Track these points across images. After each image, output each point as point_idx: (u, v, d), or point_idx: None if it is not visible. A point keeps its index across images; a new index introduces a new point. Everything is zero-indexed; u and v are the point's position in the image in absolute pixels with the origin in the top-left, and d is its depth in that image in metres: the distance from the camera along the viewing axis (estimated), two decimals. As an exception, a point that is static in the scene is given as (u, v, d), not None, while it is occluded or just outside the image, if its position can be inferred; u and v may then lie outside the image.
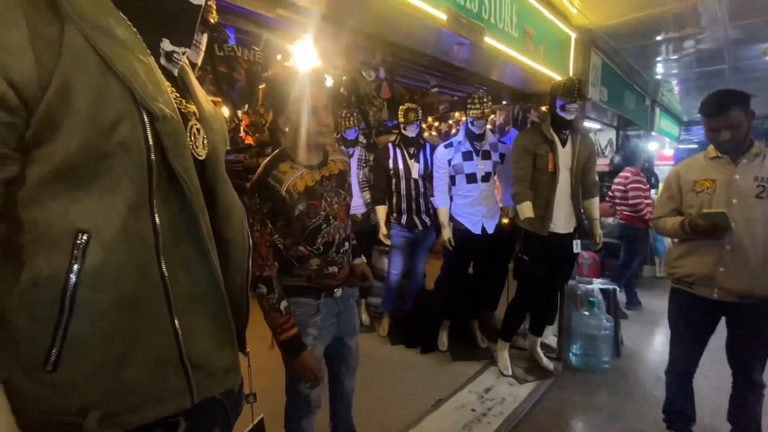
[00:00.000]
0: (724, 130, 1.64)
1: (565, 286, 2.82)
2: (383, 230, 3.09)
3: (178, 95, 0.63)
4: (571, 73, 2.71)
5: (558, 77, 2.52)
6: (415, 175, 3.03)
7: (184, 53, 0.64)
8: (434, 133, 3.92)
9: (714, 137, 1.70)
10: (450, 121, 3.78)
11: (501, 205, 2.92)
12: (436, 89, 2.99)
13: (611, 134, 5.56)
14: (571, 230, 2.50)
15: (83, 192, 0.47)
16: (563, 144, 2.43)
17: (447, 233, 2.80)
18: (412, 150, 3.05)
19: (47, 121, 0.44)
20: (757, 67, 3.90)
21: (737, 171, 1.66)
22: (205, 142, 0.67)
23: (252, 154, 4.33)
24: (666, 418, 1.98)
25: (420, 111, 2.98)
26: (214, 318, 0.63)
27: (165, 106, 0.54)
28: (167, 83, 0.60)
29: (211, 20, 1.19)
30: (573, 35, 2.63)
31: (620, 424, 2.18)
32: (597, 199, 2.61)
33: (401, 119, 2.98)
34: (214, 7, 1.21)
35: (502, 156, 2.79)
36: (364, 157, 3.30)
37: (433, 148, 3.02)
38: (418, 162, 3.03)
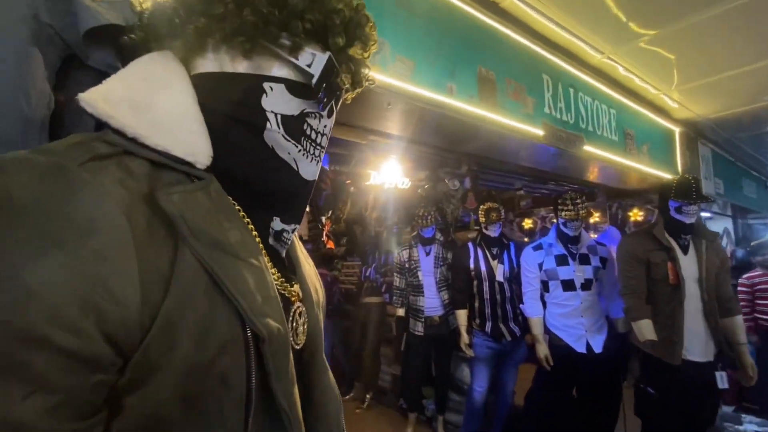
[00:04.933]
0: None
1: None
2: (465, 338, 2.80)
3: (283, 280, 0.55)
4: (679, 169, 2.42)
5: (664, 175, 2.25)
6: (499, 277, 2.78)
7: (293, 230, 0.58)
8: (515, 228, 3.70)
9: None
10: (535, 217, 3.56)
11: (608, 316, 2.49)
12: (521, 191, 2.86)
13: (726, 223, 4.82)
14: (711, 358, 1.99)
15: None
16: (684, 251, 2.07)
17: (544, 349, 2.42)
18: (494, 250, 2.85)
19: (142, 367, 0.37)
20: None
21: None
22: (305, 326, 0.58)
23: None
24: None
25: (503, 211, 2.83)
26: None
27: (273, 319, 0.45)
28: (273, 269, 0.53)
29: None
30: (677, 130, 2.40)
31: None
32: (740, 318, 2.09)
33: (482, 219, 2.84)
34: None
35: (603, 260, 2.46)
36: (441, 255, 3.16)
37: (518, 247, 2.79)
38: (502, 263, 2.80)
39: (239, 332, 0.42)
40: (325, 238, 3.13)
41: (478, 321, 2.81)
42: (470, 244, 2.94)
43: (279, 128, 0.51)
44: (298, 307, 0.57)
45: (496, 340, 2.73)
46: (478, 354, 2.78)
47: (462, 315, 2.86)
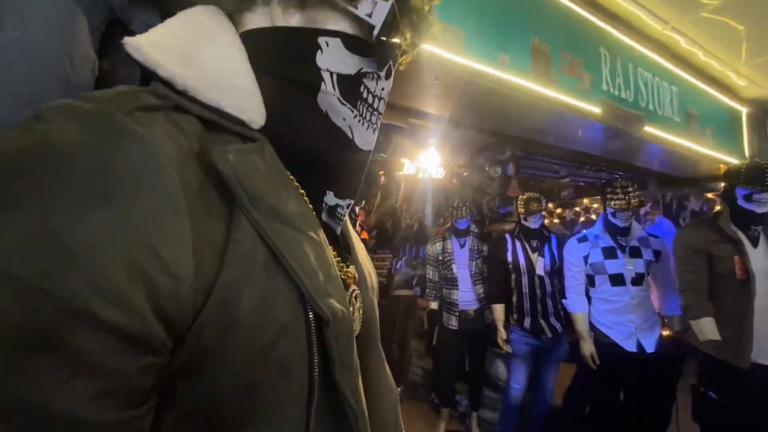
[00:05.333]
0: None
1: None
2: (502, 333, 2.71)
3: (339, 260, 0.50)
4: (746, 154, 2.21)
5: (730, 160, 2.06)
6: (539, 271, 2.65)
7: (348, 206, 0.53)
8: (556, 220, 3.54)
9: None
10: (577, 208, 3.38)
11: (660, 313, 2.33)
12: (567, 178, 2.71)
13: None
14: (785, 362, 1.81)
15: None
16: (754, 243, 1.88)
17: (589, 347, 2.29)
18: (534, 243, 2.72)
19: (194, 350, 0.32)
20: None
21: None
22: (361, 311, 0.53)
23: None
24: None
25: (544, 201, 2.69)
26: None
27: (336, 299, 0.40)
28: (330, 249, 0.48)
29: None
30: (744, 110, 2.19)
31: None
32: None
33: (521, 210, 2.72)
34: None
35: (656, 253, 2.29)
36: (476, 248, 3.06)
37: (560, 241, 2.66)
38: (543, 256, 2.67)
39: (300, 313, 0.37)
40: (358, 228, 3.09)
41: (516, 316, 2.71)
42: (508, 236, 2.83)
43: (334, 90, 0.46)
44: (354, 290, 0.52)
45: (536, 336, 2.62)
46: (515, 350, 2.68)
47: (499, 309, 2.77)
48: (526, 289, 2.67)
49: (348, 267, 0.52)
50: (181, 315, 0.31)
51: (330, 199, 0.50)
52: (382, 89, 0.51)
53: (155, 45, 0.37)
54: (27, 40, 0.49)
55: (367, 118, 0.49)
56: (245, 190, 0.34)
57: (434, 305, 3.20)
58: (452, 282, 3.05)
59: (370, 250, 4.71)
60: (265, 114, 0.43)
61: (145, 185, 0.30)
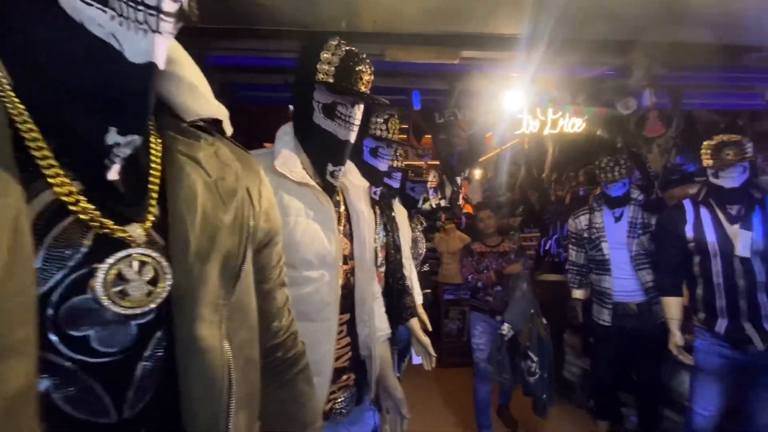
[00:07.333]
0: None
1: None
2: (677, 338, 2.01)
3: (99, 213, 0.40)
4: None
5: None
6: (742, 251, 1.81)
7: (129, 144, 0.42)
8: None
9: None
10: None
11: None
12: (783, 104, 1.73)
13: None
14: None
15: None
16: None
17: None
18: (734, 210, 1.87)
19: None
20: None
21: None
22: (158, 283, 0.43)
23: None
24: None
25: (748, 146, 1.80)
26: None
27: None
28: (82, 199, 0.39)
29: (362, 89, 1.01)
30: None
31: None
32: None
33: (709, 161, 1.89)
34: (367, 71, 1.03)
35: None
36: (640, 221, 2.36)
37: (787, 204, 1.74)
38: (749, 229, 1.80)
39: None
40: (462, 201, 2.77)
41: (702, 316, 1.96)
42: (688, 203, 2.03)
43: None
44: (137, 254, 0.42)
45: (737, 347, 1.82)
46: (701, 363, 1.96)
47: (673, 305, 2.09)
48: (718, 278, 1.88)
49: (126, 224, 0.42)
50: None
51: (110, 137, 0.40)
52: None
53: None
54: None
55: (133, 17, 0.37)
56: None
57: (579, 294, 2.68)
58: (602, 265, 2.47)
59: (516, 230, 4.22)
60: None
61: None
